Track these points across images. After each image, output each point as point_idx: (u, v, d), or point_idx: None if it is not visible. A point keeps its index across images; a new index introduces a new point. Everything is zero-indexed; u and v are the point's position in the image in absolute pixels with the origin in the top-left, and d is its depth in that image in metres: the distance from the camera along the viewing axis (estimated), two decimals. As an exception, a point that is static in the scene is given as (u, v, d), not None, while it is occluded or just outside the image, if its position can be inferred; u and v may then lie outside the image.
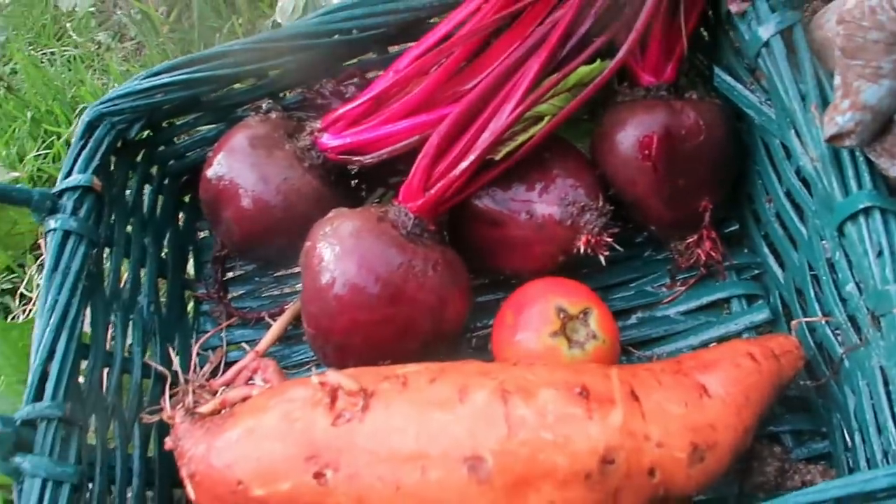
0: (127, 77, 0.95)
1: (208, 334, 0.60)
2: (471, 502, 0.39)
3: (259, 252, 0.57)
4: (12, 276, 0.78)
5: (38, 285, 0.75)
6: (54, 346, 0.46)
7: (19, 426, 0.42)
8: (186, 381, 0.49)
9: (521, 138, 0.49)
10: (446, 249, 0.50)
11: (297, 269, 0.64)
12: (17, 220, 0.76)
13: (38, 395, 0.44)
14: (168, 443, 0.44)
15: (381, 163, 0.53)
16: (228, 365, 0.56)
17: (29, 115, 0.92)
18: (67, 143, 0.88)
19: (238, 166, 0.54)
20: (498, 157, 0.49)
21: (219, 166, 0.55)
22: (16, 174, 0.84)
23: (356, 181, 0.59)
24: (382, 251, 0.47)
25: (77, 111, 0.92)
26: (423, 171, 0.49)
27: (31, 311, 0.74)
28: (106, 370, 0.51)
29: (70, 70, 1.02)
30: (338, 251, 0.47)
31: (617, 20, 0.49)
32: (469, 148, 0.48)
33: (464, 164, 0.48)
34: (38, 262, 0.78)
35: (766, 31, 0.46)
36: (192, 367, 0.56)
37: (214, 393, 0.49)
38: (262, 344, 0.57)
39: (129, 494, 0.50)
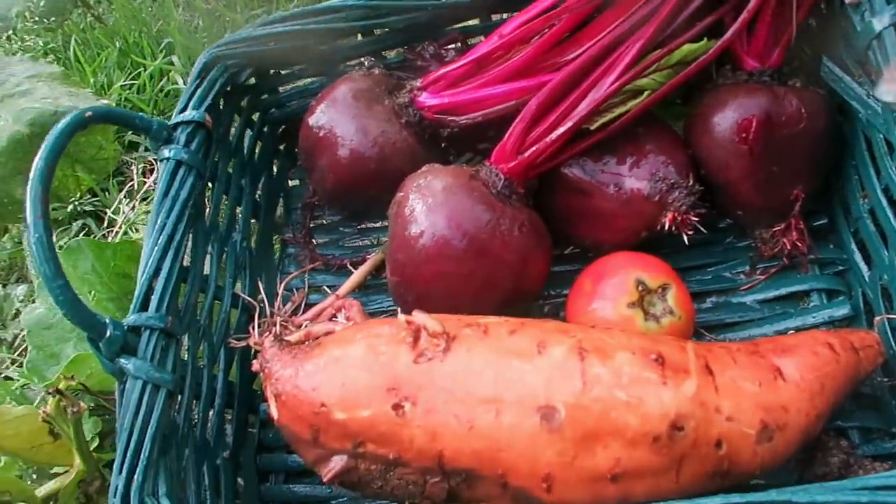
0: (211, 15, 0.97)
1: (294, 274, 0.63)
2: (539, 449, 0.40)
3: (349, 201, 0.60)
4: (94, 199, 0.81)
5: (121, 210, 0.78)
6: (160, 265, 0.49)
7: (126, 331, 0.45)
8: (272, 315, 0.52)
9: (618, 111, 0.50)
10: (532, 213, 0.52)
11: (379, 223, 0.66)
12: (103, 145, 0.80)
13: (143, 306, 0.47)
14: (255, 365, 0.47)
15: (473, 127, 0.55)
16: (308, 307, 0.59)
17: (117, 45, 0.95)
18: (152, 76, 0.91)
19: (338, 116, 0.57)
20: (593, 126, 0.50)
21: (321, 114, 0.58)
22: (104, 101, 0.87)
23: (445, 144, 0.61)
24: (472, 207, 0.49)
25: (162, 45, 0.94)
26: (518, 134, 0.50)
27: (115, 234, 0.76)
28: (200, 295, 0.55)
29: (156, 3, 1.04)
30: (429, 203, 0.49)
31: (727, 2, 0.50)
32: (566, 116, 0.49)
33: (559, 131, 0.49)
34: (123, 188, 0.80)
35: (879, 23, 0.45)
36: (277, 304, 0.59)
37: (298, 327, 0.52)
38: (344, 288, 0.59)
39: (211, 412, 0.54)
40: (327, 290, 0.62)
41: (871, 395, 0.50)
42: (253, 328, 0.50)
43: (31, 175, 0.43)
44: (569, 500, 0.40)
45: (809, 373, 0.43)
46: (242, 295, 0.59)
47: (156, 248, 0.50)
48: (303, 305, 0.62)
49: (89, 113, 0.48)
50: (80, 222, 0.77)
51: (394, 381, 0.42)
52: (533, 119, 0.50)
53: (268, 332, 0.49)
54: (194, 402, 0.52)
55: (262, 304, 0.57)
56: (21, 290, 0.72)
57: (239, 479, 0.55)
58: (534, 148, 0.50)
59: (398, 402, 0.41)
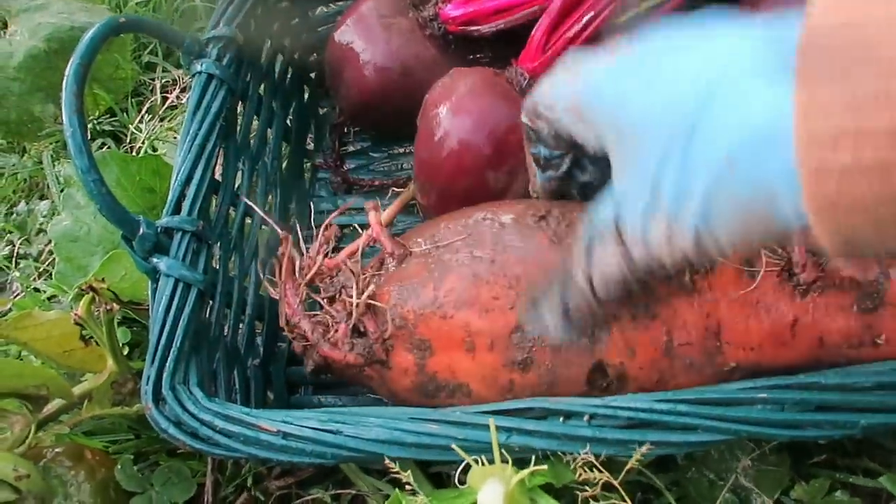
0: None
1: (336, 213, 0.62)
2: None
3: (374, 117, 0.60)
4: (112, 118, 0.80)
5: (142, 129, 0.78)
6: (192, 173, 0.50)
7: (159, 232, 0.46)
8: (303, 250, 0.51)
9: (644, 5, 0.49)
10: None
11: (407, 148, 0.66)
12: (121, 63, 0.79)
13: (175, 210, 0.48)
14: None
15: (500, 38, 0.54)
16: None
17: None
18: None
19: (362, 30, 0.58)
20: (620, 20, 0.49)
21: (346, 28, 0.58)
22: (122, 19, 0.84)
23: (473, 57, 0.61)
24: (492, 102, 0.49)
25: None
26: (543, 31, 0.50)
27: (137, 150, 0.76)
28: (231, 209, 0.55)
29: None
30: (452, 100, 0.49)
31: None
32: (593, 9, 0.49)
33: (584, 26, 0.49)
34: (143, 108, 0.79)
35: None
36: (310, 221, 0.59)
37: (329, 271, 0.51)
38: (387, 214, 0.59)
39: (242, 323, 0.55)
40: (370, 210, 0.61)
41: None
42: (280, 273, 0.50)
43: (67, 73, 0.44)
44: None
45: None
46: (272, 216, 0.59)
47: (188, 156, 0.50)
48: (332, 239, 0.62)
49: (123, 19, 0.49)
50: (99, 141, 0.77)
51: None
52: (559, 15, 0.49)
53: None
54: (226, 309, 0.53)
55: (293, 224, 0.58)
56: (44, 205, 0.74)
57: (269, 393, 0.56)
58: (559, 45, 0.49)
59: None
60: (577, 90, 0.34)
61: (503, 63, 0.59)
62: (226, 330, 0.52)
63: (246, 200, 0.53)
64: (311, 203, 0.65)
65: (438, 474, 0.49)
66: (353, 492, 0.49)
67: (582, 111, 0.33)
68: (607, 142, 0.32)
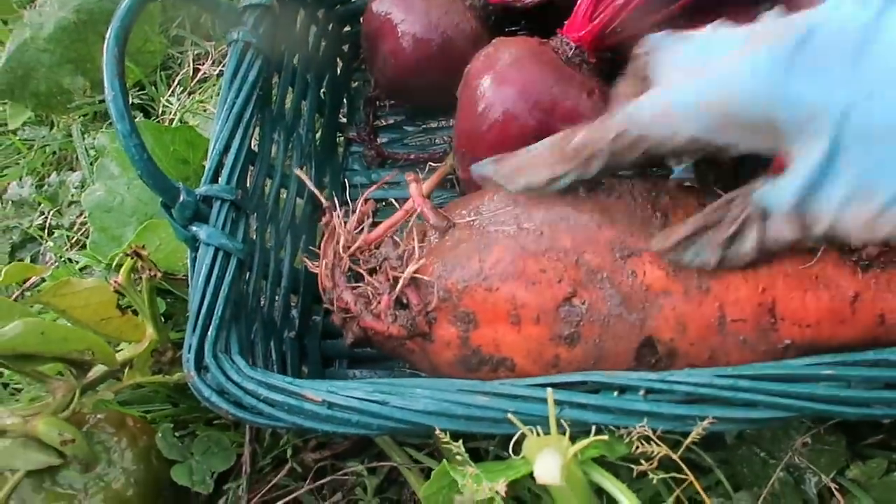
0: None
1: (380, 182, 0.61)
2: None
3: (411, 90, 0.59)
4: (141, 92, 0.80)
5: (172, 104, 0.77)
6: (230, 142, 0.49)
7: (199, 200, 0.46)
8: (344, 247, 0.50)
9: None
10: (603, 83, 0.49)
11: (442, 122, 0.65)
12: (149, 36, 0.78)
13: (214, 179, 0.47)
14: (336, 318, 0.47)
15: (541, 8, 0.53)
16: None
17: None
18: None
19: (401, 1, 0.56)
20: None
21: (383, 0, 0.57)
22: None
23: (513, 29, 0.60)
24: (538, 71, 0.47)
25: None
26: (589, 1, 0.48)
27: (169, 122, 0.75)
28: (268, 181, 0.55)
29: None
30: (496, 69, 0.48)
31: None
32: None
33: None
34: (172, 82, 0.79)
35: None
36: (345, 194, 0.58)
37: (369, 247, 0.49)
38: (426, 187, 0.58)
39: (278, 296, 0.54)
40: (412, 184, 0.60)
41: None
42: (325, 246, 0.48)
43: (108, 35, 0.43)
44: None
45: None
46: (308, 181, 0.58)
47: (226, 125, 0.49)
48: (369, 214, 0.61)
49: (162, -18, 0.48)
50: (129, 115, 0.77)
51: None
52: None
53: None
54: (262, 281, 0.52)
55: (329, 198, 0.57)
56: (76, 177, 0.73)
57: (304, 367, 0.56)
58: (606, 13, 0.48)
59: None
60: (724, 104, 0.33)
61: (543, 36, 0.59)
62: (262, 301, 0.51)
63: (298, 172, 0.52)
64: (345, 176, 0.64)
65: (476, 450, 0.49)
66: (390, 464, 0.49)
67: (739, 121, 0.33)
68: (780, 142, 0.33)
